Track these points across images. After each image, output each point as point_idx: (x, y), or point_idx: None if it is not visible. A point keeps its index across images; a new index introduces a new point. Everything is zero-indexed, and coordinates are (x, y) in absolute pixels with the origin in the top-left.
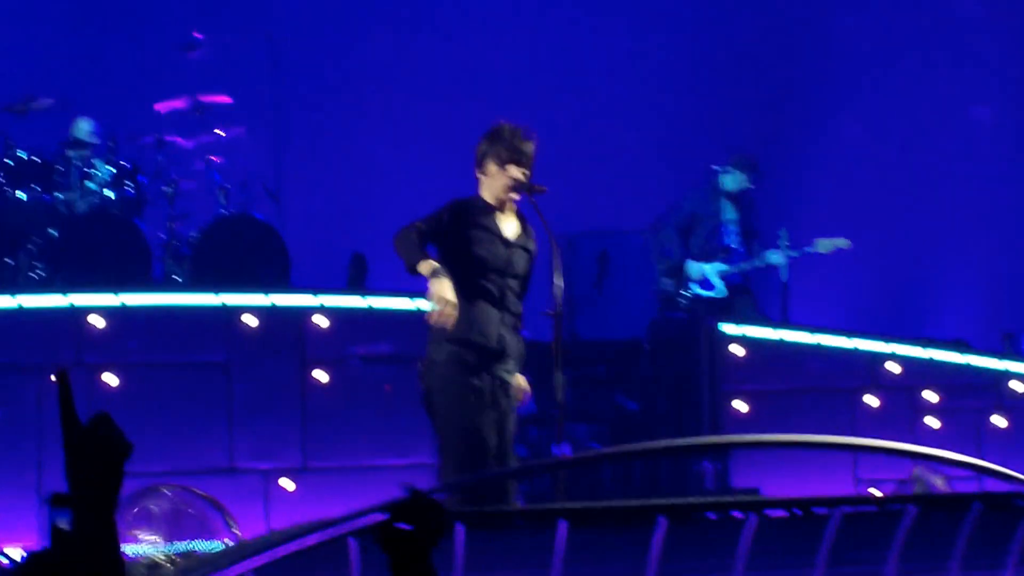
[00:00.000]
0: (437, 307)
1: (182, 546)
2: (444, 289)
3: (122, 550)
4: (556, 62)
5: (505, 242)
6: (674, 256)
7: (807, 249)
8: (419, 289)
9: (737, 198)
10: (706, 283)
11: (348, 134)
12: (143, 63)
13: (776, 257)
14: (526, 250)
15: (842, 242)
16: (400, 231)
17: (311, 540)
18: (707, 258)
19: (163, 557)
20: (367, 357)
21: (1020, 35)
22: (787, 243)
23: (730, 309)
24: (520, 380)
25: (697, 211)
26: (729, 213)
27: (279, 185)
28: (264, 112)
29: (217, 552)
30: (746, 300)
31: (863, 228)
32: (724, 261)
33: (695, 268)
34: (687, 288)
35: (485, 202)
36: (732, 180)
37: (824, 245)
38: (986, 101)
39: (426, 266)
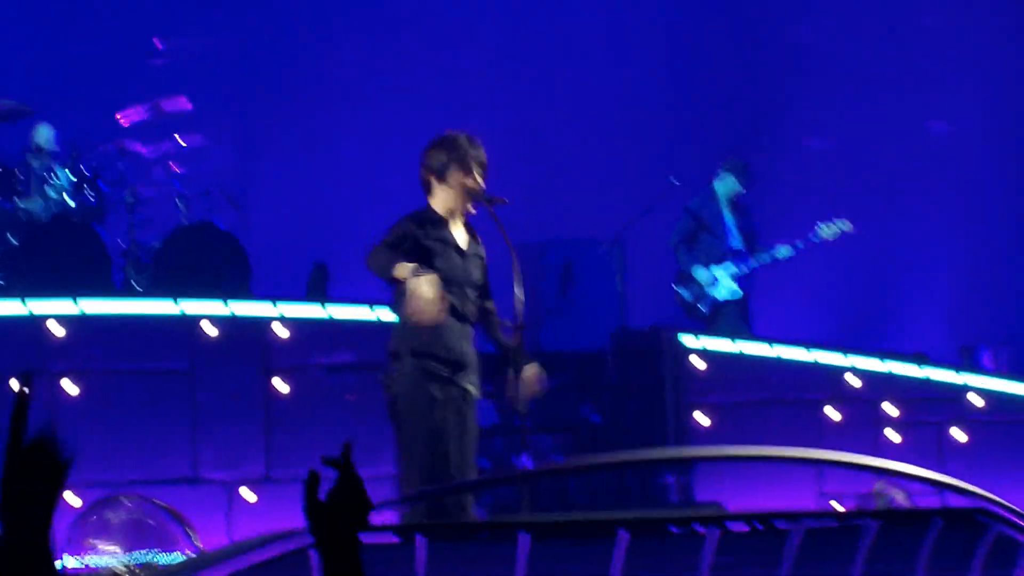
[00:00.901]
0: (424, 307)
1: (142, 557)
2: (427, 288)
3: (57, 569)
4: (521, 70)
5: (460, 252)
6: (682, 265)
7: (811, 237)
8: (380, 299)
9: (733, 201)
10: (716, 284)
11: (311, 142)
12: (105, 70)
13: (784, 251)
14: (479, 257)
15: (844, 225)
16: (370, 252)
17: (272, 551)
18: (715, 262)
19: (122, 568)
20: (330, 367)
21: (980, 48)
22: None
23: (738, 315)
24: (532, 371)
25: (699, 217)
26: (728, 216)
27: (241, 193)
28: (226, 120)
29: (177, 563)
30: (740, 307)
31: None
32: (735, 263)
33: (704, 273)
34: (704, 295)
35: (437, 214)
36: (724, 185)
37: (826, 231)
38: (947, 114)
39: (403, 269)
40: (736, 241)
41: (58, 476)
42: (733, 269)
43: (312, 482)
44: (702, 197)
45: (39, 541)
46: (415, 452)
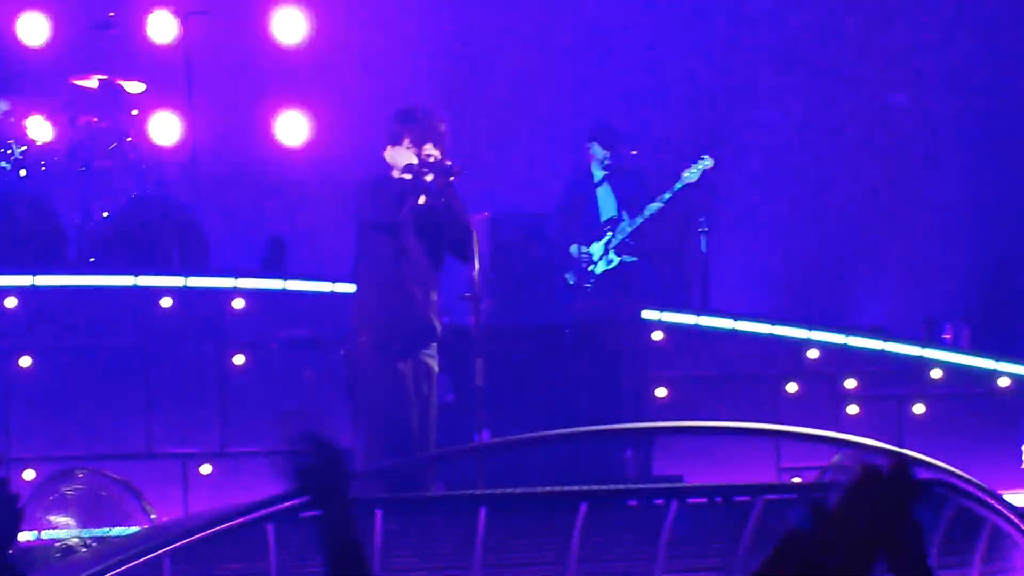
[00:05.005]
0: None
1: (97, 531)
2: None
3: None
4: (477, 39)
5: (418, 216)
6: (563, 244)
7: (677, 186)
8: (338, 273)
9: (607, 167)
10: (589, 259)
11: (264, 112)
12: (58, 41)
13: (654, 207)
14: (440, 224)
15: (706, 162)
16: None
17: (228, 525)
18: (595, 236)
19: (78, 541)
20: (287, 341)
21: (937, 19)
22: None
23: (632, 282)
24: None
25: (574, 194)
26: (603, 185)
27: (197, 165)
28: (179, 91)
29: (133, 536)
30: (619, 277)
31: (784, 214)
32: (611, 234)
33: (575, 248)
34: (585, 273)
35: (396, 181)
36: (595, 152)
37: (691, 173)
38: (904, 87)
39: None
40: (610, 210)
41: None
42: (609, 239)
43: (295, 453)
44: (577, 171)
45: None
46: (375, 427)
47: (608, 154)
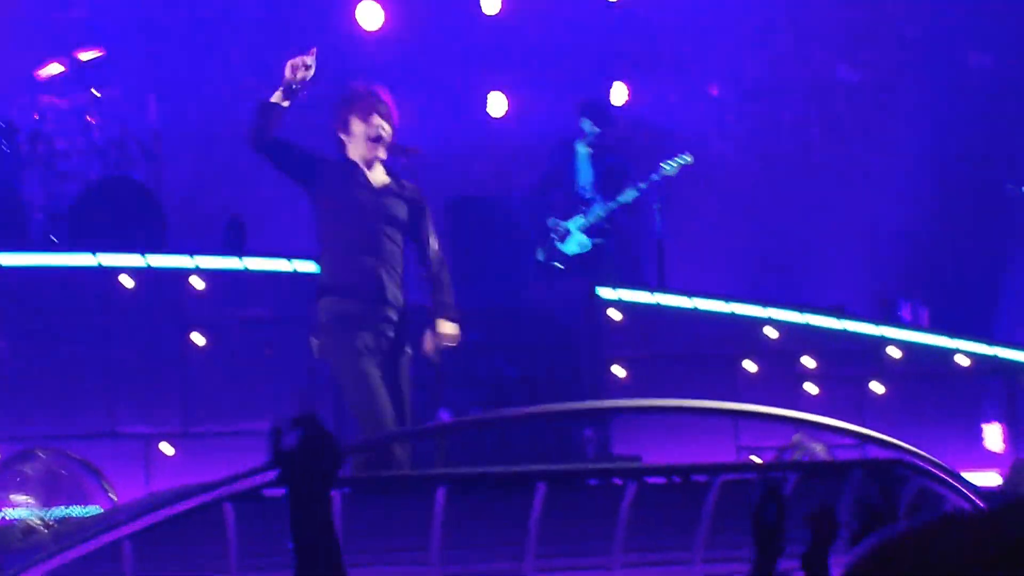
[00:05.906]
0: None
1: (58, 510)
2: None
3: None
4: (441, 12)
5: (372, 190)
6: (541, 215)
7: (654, 177)
8: (298, 251)
9: (590, 146)
10: (565, 238)
11: (225, 95)
12: (19, 22)
13: (629, 194)
14: (402, 199)
15: (686, 158)
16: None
17: (187, 505)
18: (571, 210)
19: (38, 521)
20: (247, 320)
21: None
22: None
23: (600, 264)
24: (445, 329)
25: (555, 166)
26: (583, 164)
27: (156, 145)
28: (141, 71)
29: (93, 516)
30: (591, 259)
31: (742, 193)
32: (584, 213)
33: (553, 222)
34: (557, 251)
35: (351, 160)
36: (584, 127)
37: (670, 167)
38: (858, 64)
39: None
40: (587, 187)
41: None
42: (582, 221)
43: (276, 433)
44: (558, 148)
45: None
46: (347, 403)
47: (597, 130)
